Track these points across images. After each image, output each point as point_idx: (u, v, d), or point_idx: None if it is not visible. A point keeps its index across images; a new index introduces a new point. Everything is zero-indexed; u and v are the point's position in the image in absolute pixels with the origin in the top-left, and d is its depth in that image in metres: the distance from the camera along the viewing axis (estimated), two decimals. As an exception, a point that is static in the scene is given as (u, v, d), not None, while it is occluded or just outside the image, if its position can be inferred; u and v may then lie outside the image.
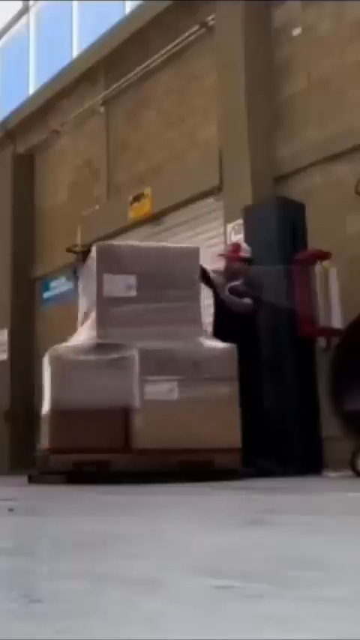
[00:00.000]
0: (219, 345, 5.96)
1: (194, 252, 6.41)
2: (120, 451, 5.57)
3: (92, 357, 5.81)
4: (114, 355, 5.76)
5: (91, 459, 5.53)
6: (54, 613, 1.05)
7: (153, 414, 5.61)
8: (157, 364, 5.71)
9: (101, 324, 5.99)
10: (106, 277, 6.05)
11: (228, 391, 5.73)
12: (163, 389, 5.64)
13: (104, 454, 5.53)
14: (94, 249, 6.33)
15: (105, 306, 6.04)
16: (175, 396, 5.65)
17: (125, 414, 5.70)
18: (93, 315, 6.13)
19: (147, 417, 5.62)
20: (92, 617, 1.02)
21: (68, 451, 5.56)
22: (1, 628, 0.94)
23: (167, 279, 6.09)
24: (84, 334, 6.17)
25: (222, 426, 5.63)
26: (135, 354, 5.71)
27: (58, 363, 5.91)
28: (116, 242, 6.83)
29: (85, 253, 7.97)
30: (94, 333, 5.99)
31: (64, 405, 5.73)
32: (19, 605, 1.09)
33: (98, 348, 5.86)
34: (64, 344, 6.20)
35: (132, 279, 6.04)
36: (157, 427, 5.57)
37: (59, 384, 5.84)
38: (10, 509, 3.01)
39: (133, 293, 6.03)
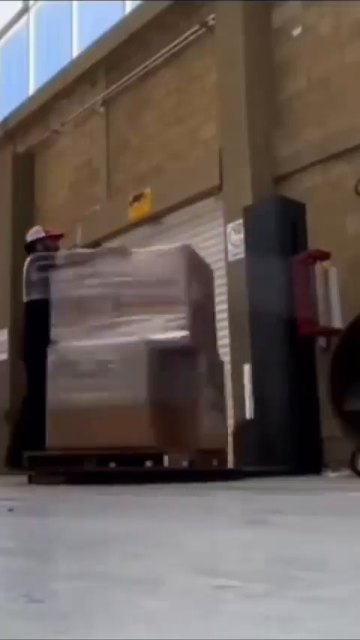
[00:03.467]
0: None
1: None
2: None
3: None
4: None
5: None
6: (54, 613, 1.05)
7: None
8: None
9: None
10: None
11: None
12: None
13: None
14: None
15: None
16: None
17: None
18: None
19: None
20: (92, 617, 1.02)
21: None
22: (1, 628, 0.94)
23: None
24: None
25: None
26: None
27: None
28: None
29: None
30: None
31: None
32: (19, 605, 1.09)
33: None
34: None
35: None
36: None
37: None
38: (10, 509, 3.01)
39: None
